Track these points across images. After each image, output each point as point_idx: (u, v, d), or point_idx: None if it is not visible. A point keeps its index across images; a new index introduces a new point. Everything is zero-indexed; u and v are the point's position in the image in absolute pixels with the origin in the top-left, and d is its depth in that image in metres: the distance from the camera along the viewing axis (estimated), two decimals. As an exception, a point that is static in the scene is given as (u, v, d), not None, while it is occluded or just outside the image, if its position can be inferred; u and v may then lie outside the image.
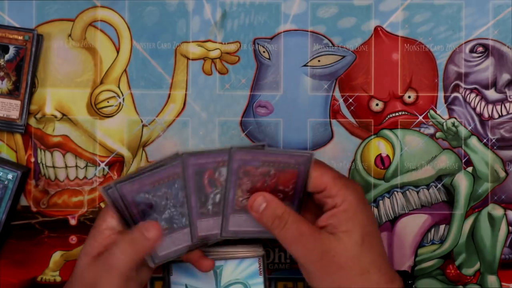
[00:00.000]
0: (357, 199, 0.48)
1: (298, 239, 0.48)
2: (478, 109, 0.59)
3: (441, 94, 0.59)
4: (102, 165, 0.58)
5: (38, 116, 0.58)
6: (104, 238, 0.49)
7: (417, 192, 0.59)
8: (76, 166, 0.58)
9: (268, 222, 0.49)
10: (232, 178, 0.49)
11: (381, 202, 0.59)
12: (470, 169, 0.59)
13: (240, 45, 0.59)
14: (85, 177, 0.58)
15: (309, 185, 0.49)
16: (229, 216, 0.51)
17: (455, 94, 0.59)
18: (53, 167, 0.58)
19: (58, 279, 0.58)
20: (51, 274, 0.58)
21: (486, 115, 0.59)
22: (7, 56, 0.56)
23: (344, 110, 0.59)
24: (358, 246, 0.47)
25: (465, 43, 0.59)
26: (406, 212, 0.59)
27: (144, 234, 0.47)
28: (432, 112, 0.59)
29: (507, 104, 0.59)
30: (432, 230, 0.59)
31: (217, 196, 0.50)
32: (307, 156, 0.49)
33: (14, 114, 0.57)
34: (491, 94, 0.59)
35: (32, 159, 0.58)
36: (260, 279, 0.56)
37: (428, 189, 0.59)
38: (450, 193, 0.59)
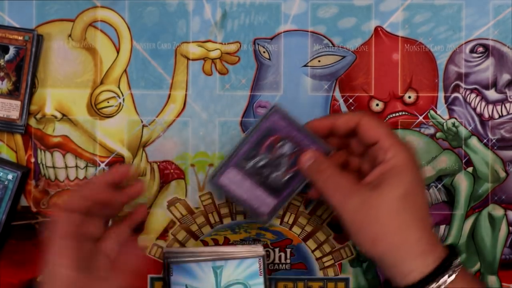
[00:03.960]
0: (407, 157, 0.49)
1: (337, 190, 0.49)
2: (478, 109, 0.59)
3: (441, 94, 0.59)
4: (102, 165, 0.58)
5: (38, 116, 0.58)
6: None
7: (417, 192, 0.59)
8: (76, 166, 0.58)
9: (311, 176, 0.52)
10: (255, 135, 0.53)
11: (381, 202, 0.59)
12: (470, 169, 0.59)
13: (240, 45, 0.59)
14: (85, 178, 0.58)
15: (364, 135, 0.50)
16: (228, 167, 0.53)
17: (455, 94, 0.59)
18: (53, 167, 0.58)
19: (58, 279, 0.58)
20: (51, 275, 0.58)
21: (486, 115, 0.59)
22: (7, 56, 0.56)
23: (344, 110, 0.59)
24: (399, 202, 0.47)
25: (465, 43, 0.59)
26: (406, 212, 0.59)
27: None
28: (432, 112, 0.59)
29: (507, 104, 0.59)
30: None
31: (261, 162, 0.53)
32: (324, 149, 0.53)
33: (14, 114, 0.57)
34: (491, 94, 0.59)
35: (32, 160, 0.58)
36: (261, 280, 0.56)
37: (428, 189, 0.59)
38: (450, 193, 0.59)
